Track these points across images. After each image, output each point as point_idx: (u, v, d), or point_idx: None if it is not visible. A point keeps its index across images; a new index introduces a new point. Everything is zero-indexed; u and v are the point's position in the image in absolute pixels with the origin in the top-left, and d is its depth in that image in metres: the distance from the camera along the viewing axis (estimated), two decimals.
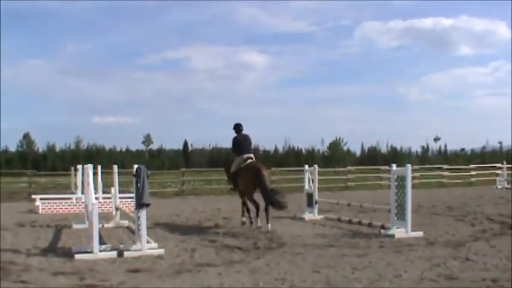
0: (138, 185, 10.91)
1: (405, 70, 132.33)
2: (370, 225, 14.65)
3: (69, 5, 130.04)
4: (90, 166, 13.55)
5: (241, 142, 16.05)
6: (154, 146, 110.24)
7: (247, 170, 15.14)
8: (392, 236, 12.68)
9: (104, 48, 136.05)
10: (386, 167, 33.49)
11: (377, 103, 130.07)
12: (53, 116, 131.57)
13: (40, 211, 19.86)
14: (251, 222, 15.36)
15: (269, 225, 14.57)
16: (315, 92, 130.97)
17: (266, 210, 14.81)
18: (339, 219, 16.33)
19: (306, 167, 18.51)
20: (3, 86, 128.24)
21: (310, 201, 17.54)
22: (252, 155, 15.93)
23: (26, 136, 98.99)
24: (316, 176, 17.78)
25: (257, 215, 15.08)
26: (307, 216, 17.17)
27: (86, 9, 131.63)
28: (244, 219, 15.75)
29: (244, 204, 15.79)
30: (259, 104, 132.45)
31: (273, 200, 14.42)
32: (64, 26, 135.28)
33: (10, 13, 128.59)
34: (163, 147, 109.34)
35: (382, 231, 13.27)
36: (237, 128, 16.30)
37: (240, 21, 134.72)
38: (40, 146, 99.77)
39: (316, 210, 17.32)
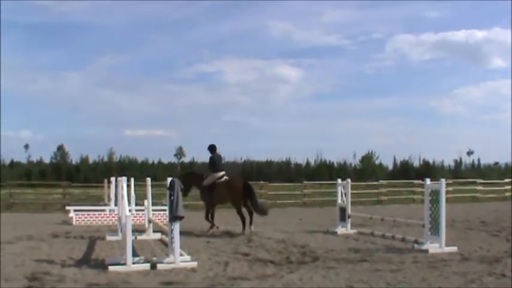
0: (172, 197, 10.96)
1: (437, 83, 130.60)
2: (403, 240, 14.54)
3: (104, 19, 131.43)
4: (124, 179, 13.66)
5: (216, 161, 18.09)
6: (187, 159, 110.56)
7: (233, 183, 17.48)
8: (426, 251, 12.59)
9: (138, 62, 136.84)
10: (419, 181, 33.29)
11: (409, 116, 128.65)
12: (86, 128, 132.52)
13: (74, 222, 20.04)
14: (211, 227, 17.55)
15: (252, 227, 17.11)
16: (347, 105, 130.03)
17: (251, 215, 17.38)
18: (372, 234, 16.24)
19: (339, 180, 18.44)
20: (39, 98, 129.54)
21: (343, 215, 17.47)
22: (224, 172, 17.88)
23: (60, 148, 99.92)
24: (349, 190, 17.71)
25: (250, 222, 17.22)
26: (340, 230, 17.09)
27: (120, 23, 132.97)
28: (212, 226, 17.65)
29: (211, 212, 18.00)
30: (292, 117, 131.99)
31: (260, 208, 17.62)
32: (99, 39, 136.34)
33: (47, 27, 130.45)
34: (196, 160, 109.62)
35: (416, 246, 13.18)
36: (213, 148, 18.30)
37: (273, 35, 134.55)
38: (74, 157, 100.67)
39: (349, 225, 17.24)
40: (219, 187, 17.37)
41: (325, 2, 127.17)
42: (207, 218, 17.85)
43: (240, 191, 17.27)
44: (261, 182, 35.84)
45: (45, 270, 10.30)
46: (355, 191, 28.49)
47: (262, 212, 17.50)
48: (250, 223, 17.23)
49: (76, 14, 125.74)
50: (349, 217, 17.26)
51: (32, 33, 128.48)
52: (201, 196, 18.42)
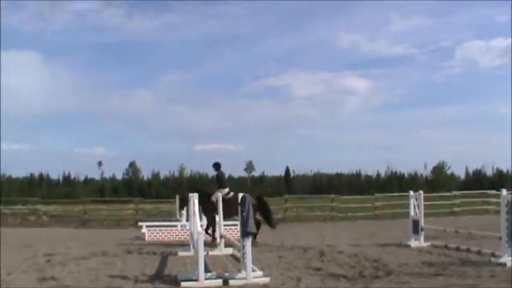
0: (244, 213, 10.98)
1: (508, 89, 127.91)
2: (479, 252, 14.21)
3: (172, 36, 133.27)
4: (195, 195, 13.74)
5: (223, 178, 19.28)
6: (257, 173, 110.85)
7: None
8: (504, 264, 12.24)
9: (206, 77, 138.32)
10: (493, 191, 32.54)
11: (480, 124, 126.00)
12: (157, 144, 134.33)
13: (146, 238, 20.30)
14: (214, 240, 17.66)
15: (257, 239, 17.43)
16: (416, 115, 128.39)
17: (258, 227, 17.46)
18: (446, 247, 15.92)
19: (411, 192, 18.20)
20: (111, 116, 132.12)
21: (415, 228, 17.20)
22: (228, 189, 18.83)
23: (132, 164, 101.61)
24: (422, 201, 17.45)
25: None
26: (413, 243, 16.82)
27: (189, 40, 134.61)
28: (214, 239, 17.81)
29: (208, 223, 18.53)
30: (360, 129, 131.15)
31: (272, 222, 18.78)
32: (168, 56, 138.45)
33: (117, 46, 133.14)
34: (265, 174, 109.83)
35: (493, 259, 12.84)
36: (218, 166, 19.25)
37: (341, 46, 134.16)
38: (145, 173, 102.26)
39: (422, 237, 16.95)
40: (228, 202, 17.67)
41: (393, 11, 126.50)
42: (207, 231, 18.20)
43: (254, 205, 17.13)
44: (332, 195, 35.59)
45: (119, 286, 10.48)
46: (427, 203, 28.03)
47: (274, 226, 18.73)
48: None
49: (145, 33, 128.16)
50: (422, 229, 16.99)
51: (102, 53, 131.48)
52: (205, 211, 18.61)
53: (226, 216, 18.01)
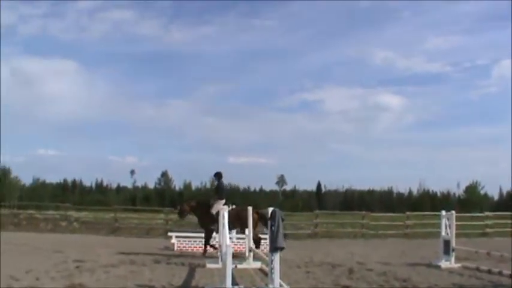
0: (273, 228, 10.92)
1: None
2: (511, 276, 13.96)
3: (209, 48, 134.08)
4: (225, 208, 13.73)
5: (224, 189, 19.70)
6: (288, 187, 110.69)
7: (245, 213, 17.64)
8: None
9: (241, 90, 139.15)
10: None
11: None
12: (190, 154, 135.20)
13: (175, 248, 20.33)
14: (211, 247, 18.83)
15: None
16: (450, 134, 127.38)
17: (259, 241, 18.58)
18: (477, 269, 15.66)
19: (443, 212, 17.99)
20: (145, 125, 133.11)
21: (446, 248, 16.98)
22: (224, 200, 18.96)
23: (164, 174, 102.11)
24: (454, 221, 17.24)
25: (257, 247, 17.73)
26: (444, 264, 16.58)
27: (225, 52, 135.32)
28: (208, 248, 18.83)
29: (206, 236, 19.08)
30: (394, 146, 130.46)
31: None
32: (204, 68, 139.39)
33: (153, 57, 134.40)
34: (297, 188, 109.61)
35: None
36: (220, 176, 19.64)
37: (375, 62, 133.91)
38: (177, 183, 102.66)
39: (453, 258, 16.72)
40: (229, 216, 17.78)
41: (428, 29, 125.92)
42: (208, 243, 18.99)
43: (255, 219, 18.07)
44: (363, 212, 35.40)
45: None
46: (459, 223, 27.63)
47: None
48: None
49: (182, 44, 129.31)
50: (453, 250, 16.77)
51: (138, 63, 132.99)
52: (203, 222, 19.25)
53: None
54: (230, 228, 17.76)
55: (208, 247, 18.87)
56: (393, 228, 32.90)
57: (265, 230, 18.22)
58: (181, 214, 19.63)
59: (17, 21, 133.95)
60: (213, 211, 18.52)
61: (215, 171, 19.83)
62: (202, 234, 19.76)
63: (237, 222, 18.28)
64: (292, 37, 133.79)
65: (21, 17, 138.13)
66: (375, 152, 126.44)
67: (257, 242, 18.39)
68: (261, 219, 18.51)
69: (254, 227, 17.97)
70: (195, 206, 19.53)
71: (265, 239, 19.06)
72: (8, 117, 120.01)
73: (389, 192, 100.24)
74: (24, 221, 34.62)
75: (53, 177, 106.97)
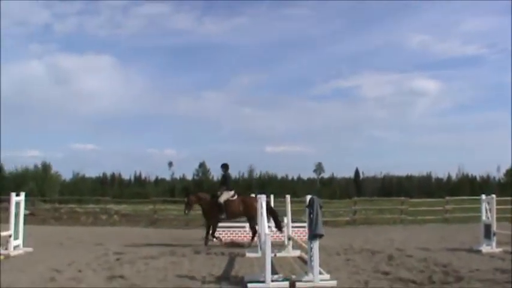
0: (311, 215, 10.91)
1: None
2: None
3: (243, 39, 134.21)
4: (263, 196, 13.73)
5: (230, 180, 19.89)
6: (326, 175, 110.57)
7: (251, 201, 18.76)
8: None
9: (276, 79, 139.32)
10: None
11: None
12: (227, 145, 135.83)
13: (214, 238, 20.38)
14: (216, 239, 19.01)
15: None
16: (488, 117, 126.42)
17: (254, 234, 18.48)
18: None
19: (483, 196, 17.78)
20: (182, 117, 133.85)
21: (487, 233, 16.80)
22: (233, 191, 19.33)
23: (202, 165, 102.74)
24: (494, 205, 17.03)
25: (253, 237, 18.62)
26: (485, 248, 16.40)
27: (258, 42, 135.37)
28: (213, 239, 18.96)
29: (214, 227, 19.13)
30: (431, 130, 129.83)
31: (280, 224, 18.03)
32: (238, 59, 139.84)
33: (188, 49, 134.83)
34: (335, 175, 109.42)
35: None
36: (227, 167, 19.69)
37: (410, 47, 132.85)
38: (215, 174, 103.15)
39: (494, 243, 16.52)
40: (234, 204, 18.91)
41: (464, 11, 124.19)
42: (213, 235, 19.10)
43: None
44: (402, 197, 35.17)
45: (186, 286, 10.56)
46: (500, 207, 27.22)
47: (280, 228, 18.11)
48: (253, 239, 18.63)
49: (216, 36, 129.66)
50: (494, 235, 16.57)
51: (174, 56, 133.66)
52: (207, 213, 19.26)
53: (231, 217, 19.36)
54: (233, 217, 19.43)
55: (213, 238, 19.01)
56: (432, 213, 32.61)
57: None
58: (189, 206, 19.38)
59: (52, 19, 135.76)
60: (221, 200, 18.78)
61: (222, 163, 19.83)
62: (240, 224, 19.83)
63: (244, 211, 18.89)
64: (326, 25, 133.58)
65: (56, 15, 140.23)
66: (412, 138, 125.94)
67: (253, 232, 18.85)
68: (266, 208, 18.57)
69: (256, 215, 18.07)
70: (202, 196, 19.62)
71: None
72: (47, 114, 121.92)
73: (428, 178, 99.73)
74: (65, 215, 35.03)
75: (92, 172, 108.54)
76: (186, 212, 19.48)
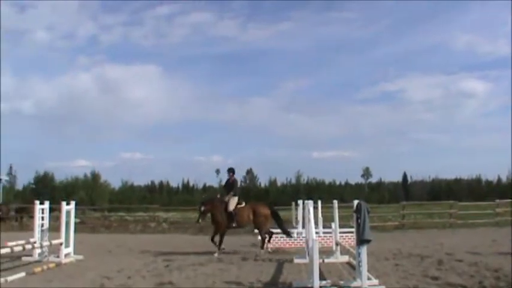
0: (359, 221, 10.87)
1: None
2: None
3: (286, 44, 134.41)
4: (310, 202, 13.71)
5: (236, 185, 19.28)
6: (374, 179, 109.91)
7: (260, 209, 18.67)
8: None
9: (321, 84, 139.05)
10: None
11: None
12: (274, 151, 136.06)
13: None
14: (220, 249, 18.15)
15: (269, 248, 18.80)
16: None
17: (270, 238, 18.96)
18: None
19: None
20: (228, 124, 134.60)
21: None
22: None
23: (249, 171, 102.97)
24: None
25: (269, 241, 18.90)
26: None
27: (303, 47, 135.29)
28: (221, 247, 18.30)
29: (222, 235, 18.59)
30: (480, 132, 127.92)
31: (286, 230, 18.77)
32: (283, 64, 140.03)
33: (232, 57, 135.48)
34: (383, 180, 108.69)
35: None
36: (233, 171, 19.40)
37: (457, 48, 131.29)
38: (262, 180, 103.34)
39: None
40: (243, 212, 18.55)
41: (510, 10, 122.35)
42: (220, 244, 18.37)
43: (268, 216, 18.74)
44: (451, 201, 34.76)
45: None
46: None
47: (288, 234, 18.81)
48: (263, 246, 18.52)
49: (259, 42, 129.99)
50: None
51: (219, 63, 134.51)
52: (217, 221, 18.58)
53: (240, 226, 19.14)
54: (240, 227, 19.37)
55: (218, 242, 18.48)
56: (483, 217, 32.11)
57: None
58: (203, 215, 18.90)
59: (99, 31, 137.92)
60: (231, 208, 18.48)
61: (229, 167, 19.79)
62: (289, 230, 19.78)
63: (253, 220, 18.59)
64: (371, 28, 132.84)
65: (102, 27, 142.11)
66: (460, 140, 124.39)
67: (269, 236, 18.94)
68: (273, 215, 18.85)
69: (266, 222, 18.62)
70: (215, 204, 18.82)
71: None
72: (95, 124, 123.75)
73: (478, 180, 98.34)
74: (115, 223, 35.59)
75: (140, 180, 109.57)
76: (200, 221, 19.07)
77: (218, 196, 19.50)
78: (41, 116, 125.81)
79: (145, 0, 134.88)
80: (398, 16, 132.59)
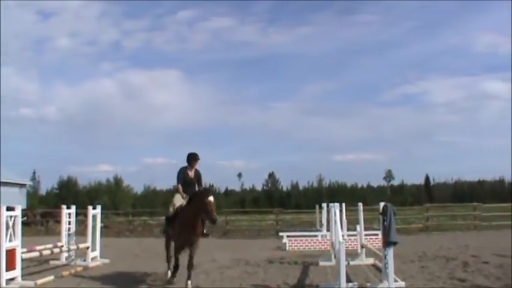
0: (385, 223, 10.92)
1: None
2: None
3: (307, 48, 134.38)
4: (336, 205, 13.78)
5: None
6: (396, 182, 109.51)
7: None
8: None
9: (343, 87, 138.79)
10: None
11: None
12: (295, 155, 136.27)
13: (287, 248, 20.47)
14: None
15: None
16: None
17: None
18: None
19: None
20: (250, 129, 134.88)
21: None
22: None
23: (271, 175, 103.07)
24: None
25: None
26: None
27: (324, 51, 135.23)
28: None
29: None
30: (504, 134, 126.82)
31: None
32: (304, 68, 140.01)
33: (254, 61, 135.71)
34: (405, 182, 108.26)
35: None
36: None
37: (479, 49, 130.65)
38: (284, 184, 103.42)
39: None
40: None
41: None
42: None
43: None
44: (474, 203, 34.59)
45: None
46: None
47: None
48: None
49: (280, 46, 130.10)
50: None
51: (241, 68, 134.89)
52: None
53: None
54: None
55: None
56: (507, 218, 31.90)
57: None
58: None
59: (121, 37, 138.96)
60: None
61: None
62: (313, 233, 19.81)
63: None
64: (392, 30, 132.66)
65: (125, 32, 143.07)
66: (483, 142, 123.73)
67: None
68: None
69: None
70: None
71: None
72: (118, 129, 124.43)
73: (501, 182, 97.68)
74: (139, 227, 35.80)
75: (163, 184, 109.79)
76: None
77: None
78: (64, 121, 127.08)
79: (167, 5, 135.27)
80: (419, 18, 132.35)
